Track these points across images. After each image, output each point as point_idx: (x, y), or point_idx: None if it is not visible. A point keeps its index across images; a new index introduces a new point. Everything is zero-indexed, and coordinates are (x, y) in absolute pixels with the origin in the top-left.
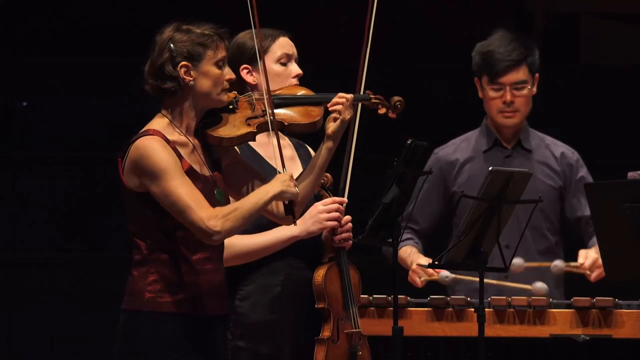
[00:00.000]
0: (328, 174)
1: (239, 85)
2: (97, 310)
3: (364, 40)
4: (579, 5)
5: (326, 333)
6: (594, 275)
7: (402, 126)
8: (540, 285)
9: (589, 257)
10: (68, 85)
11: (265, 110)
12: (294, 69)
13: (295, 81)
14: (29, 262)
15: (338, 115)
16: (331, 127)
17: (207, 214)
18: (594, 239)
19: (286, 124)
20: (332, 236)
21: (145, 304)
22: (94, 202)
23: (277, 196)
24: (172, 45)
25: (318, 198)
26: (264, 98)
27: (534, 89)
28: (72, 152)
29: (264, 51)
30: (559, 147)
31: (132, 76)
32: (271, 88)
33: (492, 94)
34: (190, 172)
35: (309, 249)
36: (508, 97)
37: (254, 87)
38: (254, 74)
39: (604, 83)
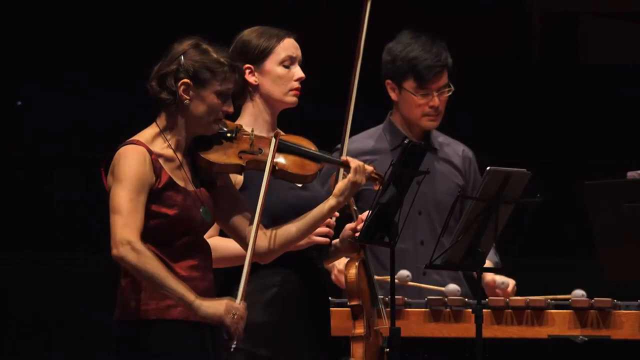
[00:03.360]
0: None
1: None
2: (97, 311)
3: (349, 98)
4: (578, 5)
5: (359, 330)
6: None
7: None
8: (452, 287)
9: (510, 282)
10: (66, 84)
11: (261, 149)
12: (297, 72)
13: (297, 84)
14: (28, 262)
15: (346, 174)
16: (338, 185)
17: (128, 234)
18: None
19: (277, 168)
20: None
21: (133, 314)
22: (92, 202)
23: (199, 312)
24: (182, 58)
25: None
26: (263, 137)
27: None
28: (71, 152)
29: (268, 52)
30: (460, 146)
31: (131, 75)
32: (273, 90)
33: (419, 99)
34: (170, 184)
35: (306, 251)
36: (436, 102)
37: (255, 88)
38: (256, 74)
39: (603, 83)
